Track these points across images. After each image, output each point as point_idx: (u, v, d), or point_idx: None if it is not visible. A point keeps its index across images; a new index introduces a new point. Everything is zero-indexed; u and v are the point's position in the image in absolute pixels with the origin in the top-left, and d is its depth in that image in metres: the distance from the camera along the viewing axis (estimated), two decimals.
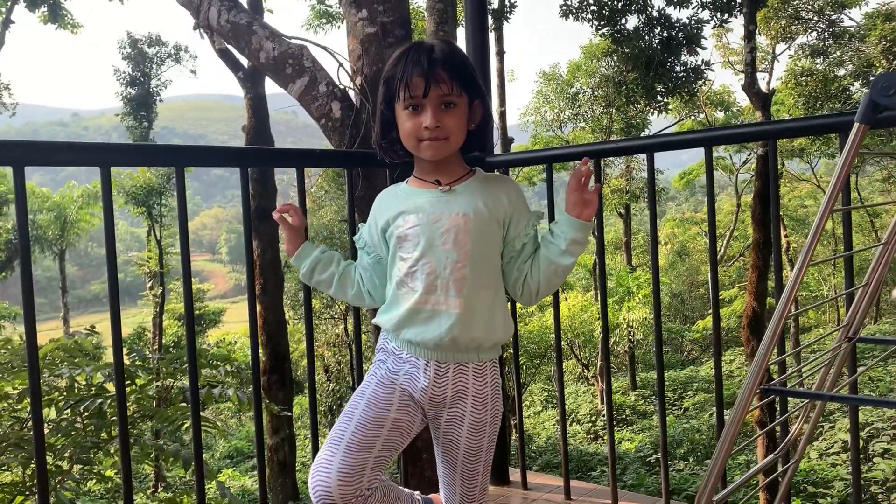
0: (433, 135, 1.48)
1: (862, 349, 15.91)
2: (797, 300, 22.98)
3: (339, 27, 15.17)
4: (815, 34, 16.00)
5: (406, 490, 1.66)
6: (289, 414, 10.85)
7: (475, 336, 1.51)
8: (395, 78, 1.49)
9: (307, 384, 2.20)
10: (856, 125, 1.18)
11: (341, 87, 4.04)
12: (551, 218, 2.45)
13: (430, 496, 1.71)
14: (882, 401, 1.32)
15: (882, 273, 1.71)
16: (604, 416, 17.35)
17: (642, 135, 18.78)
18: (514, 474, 2.75)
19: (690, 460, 12.84)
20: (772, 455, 1.77)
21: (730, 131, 2.04)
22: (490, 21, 13.68)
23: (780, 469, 1.90)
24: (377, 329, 1.65)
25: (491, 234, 1.53)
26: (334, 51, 4.21)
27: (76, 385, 4.45)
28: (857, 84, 15.84)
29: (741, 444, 1.70)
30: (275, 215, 1.64)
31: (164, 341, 19.85)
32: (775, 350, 1.43)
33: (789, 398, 1.93)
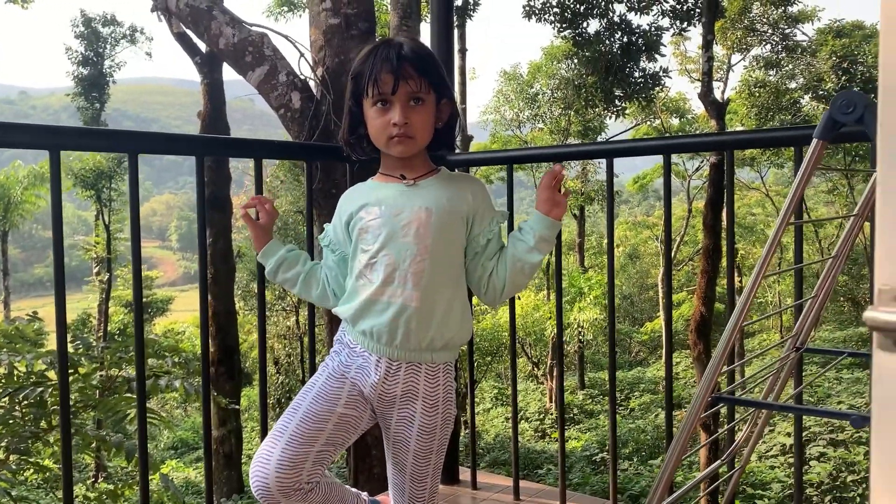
0: (402, 131, 1.49)
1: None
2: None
3: (300, 16, 14.98)
4: (769, 47, 16.39)
5: (353, 490, 1.64)
6: (236, 407, 10.71)
7: (430, 331, 1.50)
8: (363, 74, 1.49)
9: (256, 376, 2.16)
10: (814, 141, 1.21)
11: (302, 77, 3.99)
12: (511, 217, 2.45)
13: (377, 497, 1.69)
14: (828, 411, 1.35)
15: (830, 285, 1.75)
16: (552, 414, 17.53)
17: (599, 138, 18.99)
18: (464, 473, 2.75)
19: (635, 460, 13.05)
20: (718, 461, 1.80)
21: (689, 140, 2.06)
22: (454, 19, 13.65)
23: (725, 475, 1.93)
24: (331, 322, 1.64)
25: (453, 231, 1.53)
26: (296, 40, 4.15)
27: (16, 373, 4.31)
28: (807, 97, 16.29)
29: (692, 451, 1.74)
30: (241, 212, 1.61)
31: (109, 328, 19.39)
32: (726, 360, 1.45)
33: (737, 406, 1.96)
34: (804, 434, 10.65)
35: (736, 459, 2.05)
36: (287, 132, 4.02)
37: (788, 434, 10.72)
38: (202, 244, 1.92)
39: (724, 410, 2.11)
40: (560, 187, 1.54)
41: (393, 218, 1.50)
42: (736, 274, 23.28)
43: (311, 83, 3.98)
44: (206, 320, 1.95)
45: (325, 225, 1.67)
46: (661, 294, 22.63)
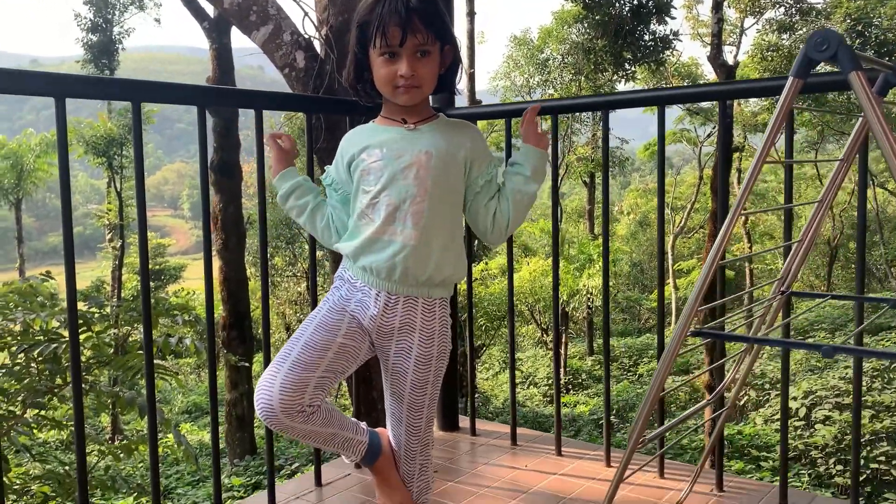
0: (408, 83, 1.53)
1: (803, 324, 16.38)
2: (752, 272, 23.47)
3: None
4: (782, 9, 16.13)
5: (352, 419, 1.71)
6: (247, 365, 10.85)
7: (427, 268, 1.58)
8: (370, 24, 1.52)
9: (263, 337, 2.24)
10: (790, 79, 1.24)
11: (306, 36, 4.01)
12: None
13: (377, 429, 1.77)
14: (801, 343, 1.40)
15: (816, 230, 1.80)
16: (562, 379, 17.68)
17: None
18: (464, 421, 2.83)
19: (651, 383, 13.16)
20: (704, 401, 1.86)
21: (682, 91, 2.09)
22: None
23: (715, 416, 1.99)
24: (335, 260, 1.70)
25: (451, 173, 1.60)
26: None
27: (31, 330, 4.41)
28: None
29: (675, 385, 1.79)
30: (267, 137, 1.68)
31: (122, 295, 19.61)
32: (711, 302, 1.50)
33: (727, 346, 2.02)
34: (810, 398, 10.72)
35: (726, 402, 2.10)
36: (292, 91, 4.05)
37: (794, 398, 10.78)
38: (205, 203, 1.97)
39: (730, 355, 2.16)
40: (539, 126, 1.66)
41: (394, 160, 1.57)
42: (746, 240, 23.20)
43: (316, 42, 4.01)
44: (211, 279, 2.01)
45: (325, 167, 1.72)
46: (670, 261, 22.63)
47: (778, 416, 11.09)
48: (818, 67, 1.29)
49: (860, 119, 1.54)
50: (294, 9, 4.31)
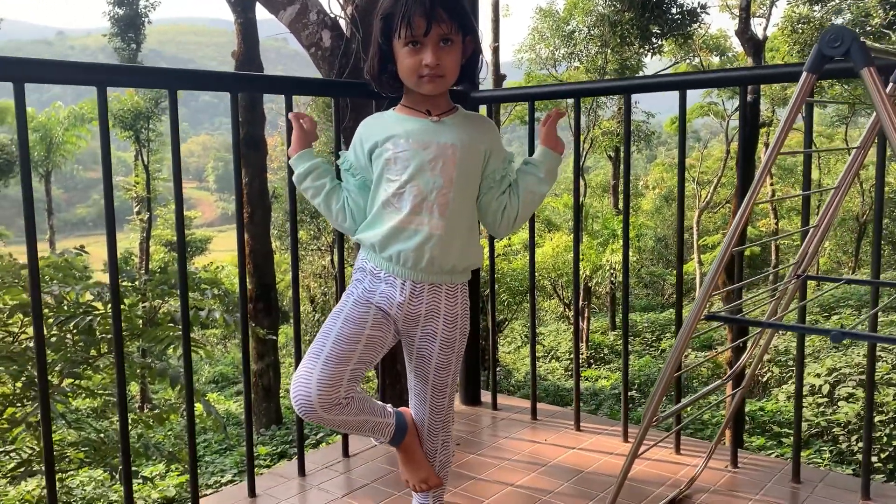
0: (433, 72, 1.57)
1: (830, 300, 16.24)
2: (778, 248, 23.25)
3: None
4: None
5: (379, 402, 1.79)
6: (273, 338, 11.02)
7: (451, 257, 1.65)
8: (394, 15, 1.55)
9: (293, 313, 2.32)
10: (804, 74, 1.28)
11: (332, 15, 4.05)
12: (532, 153, 2.54)
13: (400, 409, 1.85)
14: (818, 329, 1.44)
15: (833, 215, 1.83)
16: (582, 353, 17.74)
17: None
18: (486, 396, 2.91)
19: (664, 400, 13.23)
20: (720, 381, 1.92)
21: (702, 76, 2.12)
22: None
23: (731, 394, 2.05)
24: (357, 248, 1.75)
25: (473, 166, 1.67)
26: None
27: (65, 302, 4.55)
28: None
29: (690, 366, 1.85)
30: (290, 115, 1.71)
31: (150, 266, 19.92)
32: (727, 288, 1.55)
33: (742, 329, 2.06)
34: (833, 375, 10.69)
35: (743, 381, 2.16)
36: (318, 70, 4.11)
37: (817, 374, 10.76)
38: (238, 180, 2.04)
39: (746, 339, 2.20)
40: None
41: (421, 151, 1.62)
42: (772, 216, 22.97)
43: (342, 21, 4.05)
44: (244, 256, 2.10)
45: (340, 152, 1.77)
46: (695, 236, 22.48)
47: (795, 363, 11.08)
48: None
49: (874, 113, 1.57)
50: None
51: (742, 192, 2.17)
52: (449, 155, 1.62)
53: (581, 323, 18.88)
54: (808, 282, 1.93)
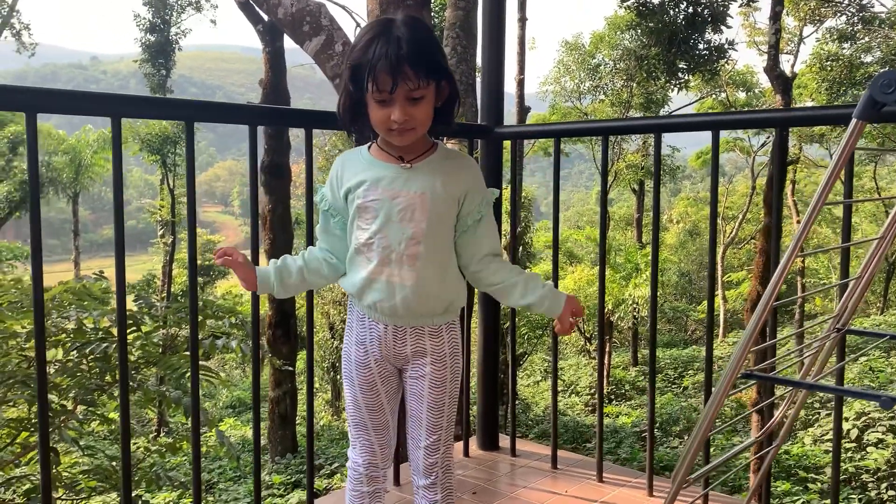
0: (402, 126, 1.53)
1: (857, 342, 15.89)
2: (804, 286, 22.89)
3: None
4: (844, 18, 15.70)
5: None
6: (290, 369, 10.96)
7: (427, 304, 1.63)
8: (362, 67, 1.50)
9: (307, 342, 2.28)
10: (853, 121, 1.19)
11: None
12: (556, 190, 2.47)
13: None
14: (855, 391, 1.34)
15: (875, 266, 1.73)
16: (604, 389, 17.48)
17: (661, 111, 18.58)
18: (504, 440, 2.81)
19: (686, 438, 12.95)
20: (752, 438, 1.81)
21: (737, 116, 2.04)
22: None
23: (762, 451, 1.94)
24: None
25: (446, 213, 1.62)
26: (352, 10, 4.21)
27: (83, 328, 4.53)
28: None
29: (723, 426, 1.75)
30: (218, 261, 1.63)
31: (172, 290, 20.03)
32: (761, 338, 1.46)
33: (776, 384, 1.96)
34: (862, 420, 10.39)
35: (774, 437, 2.04)
36: None
37: (846, 418, 10.46)
38: (254, 212, 1.99)
39: (779, 391, 2.10)
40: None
41: (390, 201, 1.58)
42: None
43: None
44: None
45: (316, 186, 1.73)
46: (719, 273, 22.21)
47: (829, 437, 10.78)
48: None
49: None
50: (348, 19, 4.33)
51: (775, 236, 2.08)
52: (418, 204, 1.58)
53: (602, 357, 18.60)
54: (844, 338, 1.82)
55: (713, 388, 1.48)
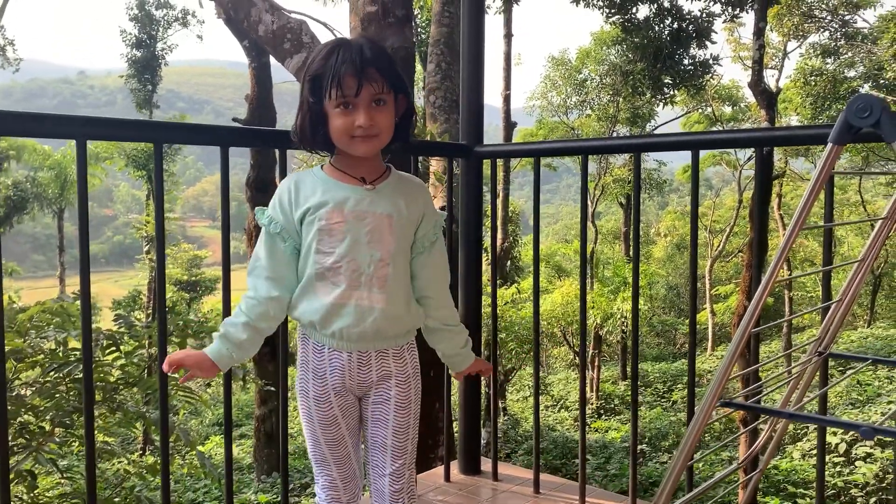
0: (366, 132, 1.52)
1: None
2: (791, 299, 22.98)
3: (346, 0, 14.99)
4: (827, 34, 15.87)
5: None
6: (272, 390, 10.87)
7: (397, 325, 1.62)
8: (324, 76, 1.49)
9: (280, 357, 2.24)
10: (829, 145, 1.17)
11: None
12: (536, 212, 2.44)
13: None
14: (838, 421, 1.31)
15: (857, 289, 1.70)
16: (593, 403, 17.43)
17: (648, 126, 18.69)
18: (486, 464, 2.76)
19: (675, 453, 12.92)
20: (733, 466, 1.77)
21: (716, 136, 2.02)
22: (500, 3, 13.54)
23: (749, 475, 1.90)
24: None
25: (408, 233, 1.63)
26: (334, 27, 4.18)
27: (62, 349, 4.46)
28: (866, 86, 15.74)
29: (704, 453, 1.70)
30: (169, 371, 1.58)
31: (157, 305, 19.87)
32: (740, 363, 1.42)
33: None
34: (850, 434, 10.38)
35: (759, 462, 2.01)
36: None
37: (833, 433, 10.46)
38: (225, 235, 1.95)
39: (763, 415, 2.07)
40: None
41: (357, 223, 1.55)
42: (785, 267, 22.73)
43: None
44: (228, 304, 1.99)
45: (260, 208, 1.64)
46: (707, 286, 22.27)
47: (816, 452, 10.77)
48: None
49: None
50: (328, 36, 4.31)
51: (758, 256, 2.05)
52: (386, 226, 1.57)
53: (591, 372, 18.60)
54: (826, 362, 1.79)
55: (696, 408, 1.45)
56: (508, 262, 16.24)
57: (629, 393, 18.28)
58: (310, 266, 1.57)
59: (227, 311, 2.01)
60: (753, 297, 1.28)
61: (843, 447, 10.20)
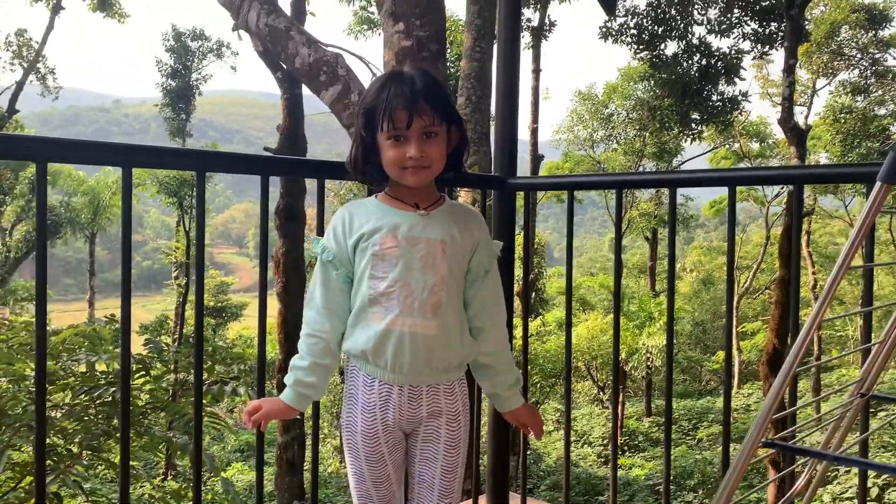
0: (417, 163, 1.53)
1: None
2: (821, 338, 22.58)
3: (379, 34, 15.27)
4: (857, 71, 15.80)
5: None
6: (297, 417, 10.85)
7: (447, 355, 1.58)
8: (377, 108, 1.52)
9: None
10: (878, 184, 1.16)
11: None
12: (569, 245, 2.44)
13: None
14: (889, 466, 1.28)
15: None
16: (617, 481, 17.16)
17: (674, 161, 18.64)
18: (514, 499, 2.73)
19: (700, 492, 12.66)
20: None
21: (755, 173, 2.01)
22: (528, 38, 13.68)
23: None
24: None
25: (462, 261, 1.61)
26: (369, 61, 4.25)
27: (93, 372, 4.50)
28: None
29: (741, 497, 1.69)
30: (252, 426, 1.61)
31: (185, 331, 20.02)
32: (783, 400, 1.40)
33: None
34: (883, 478, 10.12)
35: None
36: None
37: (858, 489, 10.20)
38: (263, 262, 1.97)
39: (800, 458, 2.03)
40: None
41: (411, 248, 1.55)
42: (815, 304, 22.36)
43: None
44: (264, 346, 2.00)
45: (315, 238, 1.66)
46: (734, 323, 21.97)
47: (848, 496, 10.50)
48: None
49: None
50: (363, 69, 4.38)
51: (794, 298, 2.02)
52: (439, 251, 1.56)
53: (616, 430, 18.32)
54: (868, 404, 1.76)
55: (731, 452, 1.43)
56: (533, 294, 16.17)
57: (653, 430, 18.00)
58: (363, 292, 1.56)
59: (262, 335, 2.03)
60: (798, 336, 1.26)
61: (875, 491, 9.94)
